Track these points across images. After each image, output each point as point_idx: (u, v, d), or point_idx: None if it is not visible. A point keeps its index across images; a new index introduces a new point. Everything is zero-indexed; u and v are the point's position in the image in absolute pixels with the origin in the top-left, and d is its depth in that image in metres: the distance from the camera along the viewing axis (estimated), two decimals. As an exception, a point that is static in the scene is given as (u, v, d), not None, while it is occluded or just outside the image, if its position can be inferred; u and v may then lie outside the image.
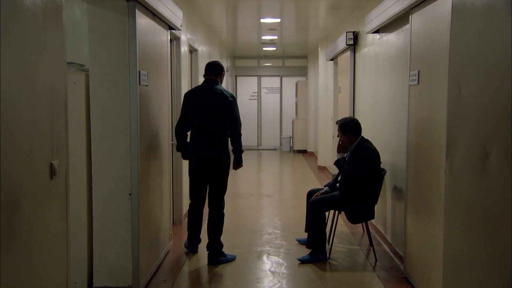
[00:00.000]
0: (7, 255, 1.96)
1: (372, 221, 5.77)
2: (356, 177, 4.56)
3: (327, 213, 4.87)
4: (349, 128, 4.71)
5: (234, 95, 4.74)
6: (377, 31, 5.54)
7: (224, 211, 4.72)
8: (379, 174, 4.70)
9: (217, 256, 4.67)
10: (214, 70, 4.71)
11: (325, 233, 4.77)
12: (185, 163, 6.17)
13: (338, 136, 4.82)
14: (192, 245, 4.93)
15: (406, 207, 4.24)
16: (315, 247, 4.67)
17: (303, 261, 4.65)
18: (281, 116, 15.43)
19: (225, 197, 4.70)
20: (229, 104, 4.54)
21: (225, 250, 4.76)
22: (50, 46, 2.37)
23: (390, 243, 5.01)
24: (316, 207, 4.67)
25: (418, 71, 3.94)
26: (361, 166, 4.54)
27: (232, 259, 4.74)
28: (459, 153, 2.92)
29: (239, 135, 4.63)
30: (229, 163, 4.71)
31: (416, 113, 4.02)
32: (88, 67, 3.77)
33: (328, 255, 4.74)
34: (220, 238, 4.70)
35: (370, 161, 4.59)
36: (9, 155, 1.97)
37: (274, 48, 12.84)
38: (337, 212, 4.87)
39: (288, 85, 15.35)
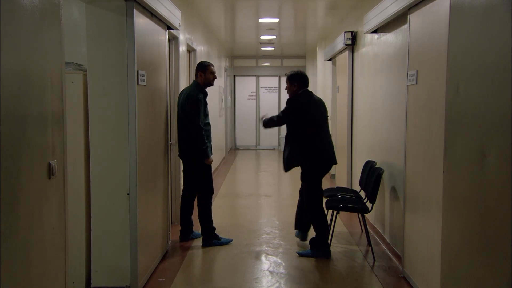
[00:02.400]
0: (5, 255, 1.95)
1: (370, 221, 5.78)
2: (278, 123, 4.94)
3: (326, 213, 4.88)
4: (296, 78, 4.91)
5: (192, 93, 4.95)
6: (375, 31, 5.54)
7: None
8: (312, 121, 4.76)
9: (209, 239, 5.12)
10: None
11: (326, 228, 4.79)
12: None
13: (286, 89, 5.02)
14: (181, 232, 5.26)
15: (404, 207, 4.25)
16: (316, 244, 4.77)
17: (301, 255, 4.74)
18: (279, 116, 15.41)
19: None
20: (183, 100, 5.00)
21: (223, 249, 4.77)
22: (48, 45, 2.37)
23: (388, 242, 5.02)
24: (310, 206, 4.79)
25: (416, 71, 3.94)
26: (282, 114, 4.86)
27: (225, 242, 5.15)
28: (457, 153, 2.92)
29: (193, 130, 4.90)
30: (195, 157, 5.01)
31: (414, 112, 4.03)
32: (86, 67, 3.77)
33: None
34: (207, 224, 5.11)
35: (291, 109, 4.81)
36: (7, 155, 1.97)
37: (273, 48, 12.84)
38: (335, 212, 4.88)
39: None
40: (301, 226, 5.17)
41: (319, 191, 4.84)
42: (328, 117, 5.06)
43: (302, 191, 5.02)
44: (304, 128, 4.73)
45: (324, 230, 4.75)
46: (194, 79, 5.14)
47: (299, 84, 4.88)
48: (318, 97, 5.06)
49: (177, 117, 5.15)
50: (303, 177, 4.92)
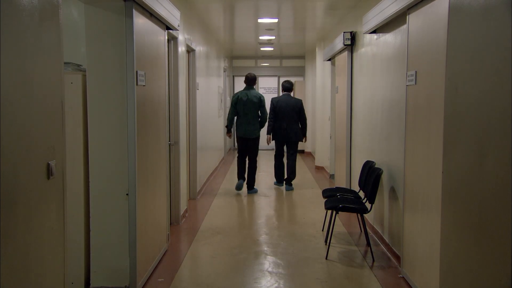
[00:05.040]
0: (4, 255, 1.95)
1: (369, 221, 5.79)
2: None
3: (325, 213, 4.88)
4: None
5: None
6: (374, 31, 5.55)
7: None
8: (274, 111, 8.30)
9: (252, 187, 8.11)
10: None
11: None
12: (184, 160, 6.18)
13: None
14: (240, 179, 8.18)
15: (404, 207, 4.25)
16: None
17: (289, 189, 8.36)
18: (278, 116, 15.42)
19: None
20: (258, 99, 8.05)
21: (222, 249, 4.82)
22: (47, 46, 2.37)
23: (387, 243, 5.02)
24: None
25: (415, 71, 3.94)
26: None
27: (256, 191, 8.12)
28: (456, 153, 2.92)
29: (265, 118, 8.20)
30: (259, 135, 8.20)
31: (413, 113, 4.03)
32: (85, 67, 3.77)
33: (326, 255, 4.78)
34: (254, 176, 8.13)
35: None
36: (6, 155, 1.96)
37: (272, 48, 12.84)
38: (334, 212, 4.89)
39: (286, 85, 15.33)
40: (281, 179, 8.60)
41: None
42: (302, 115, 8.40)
43: (290, 154, 8.38)
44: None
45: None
46: (253, 86, 8.11)
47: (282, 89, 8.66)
48: (292, 99, 8.39)
49: (246, 111, 7.93)
50: (296, 144, 8.41)
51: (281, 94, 8.89)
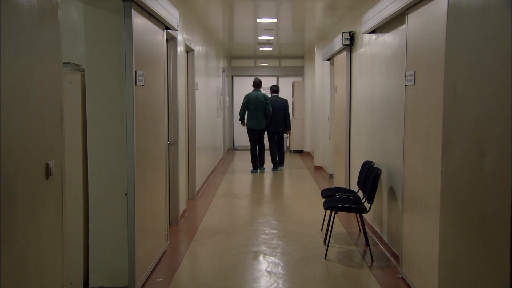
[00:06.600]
0: (3, 255, 1.95)
1: (368, 221, 5.79)
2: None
3: (324, 213, 4.89)
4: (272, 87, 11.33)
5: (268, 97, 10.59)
6: (373, 31, 5.55)
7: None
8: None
9: (262, 166, 10.48)
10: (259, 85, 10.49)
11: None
12: (183, 160, 6.17)
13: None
14: (255, 167, 10.44)
15: (402, 207, 4.25)
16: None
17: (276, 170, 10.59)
18: (277, 116, 15.42)
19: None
20: (266, 99, 10.30)
21: (221, 249, 4.87)
22: (45, 46, 2.37)
23: (386, 243, 5.02)
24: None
25: (414, 71, 3.95)
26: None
27: (264, 169, 10.58)
28: (455, 153, 2.93)
29: (270, 115, 10.39)
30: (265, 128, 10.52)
31: (412, 112, 4.03)
32: (84, 67, 3.77)
33: (324, 255, 4.79)
34: (263, 159, 10.50)
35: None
36: (5, 155, 1.96)
37: (271, 48, 12.84)
38: (333, 212, 4.89)
39: (285, 85, 15.33)
40: (275, 164, 10.70)
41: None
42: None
43: (278, 143, 10.86)
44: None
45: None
46: (259, 89, 10.37)
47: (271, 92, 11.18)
48: (280, 99, 10.97)
49: (255, 108, 10.13)
50: (282, 134, 10.98)
51: (271, 95, 11.07)
